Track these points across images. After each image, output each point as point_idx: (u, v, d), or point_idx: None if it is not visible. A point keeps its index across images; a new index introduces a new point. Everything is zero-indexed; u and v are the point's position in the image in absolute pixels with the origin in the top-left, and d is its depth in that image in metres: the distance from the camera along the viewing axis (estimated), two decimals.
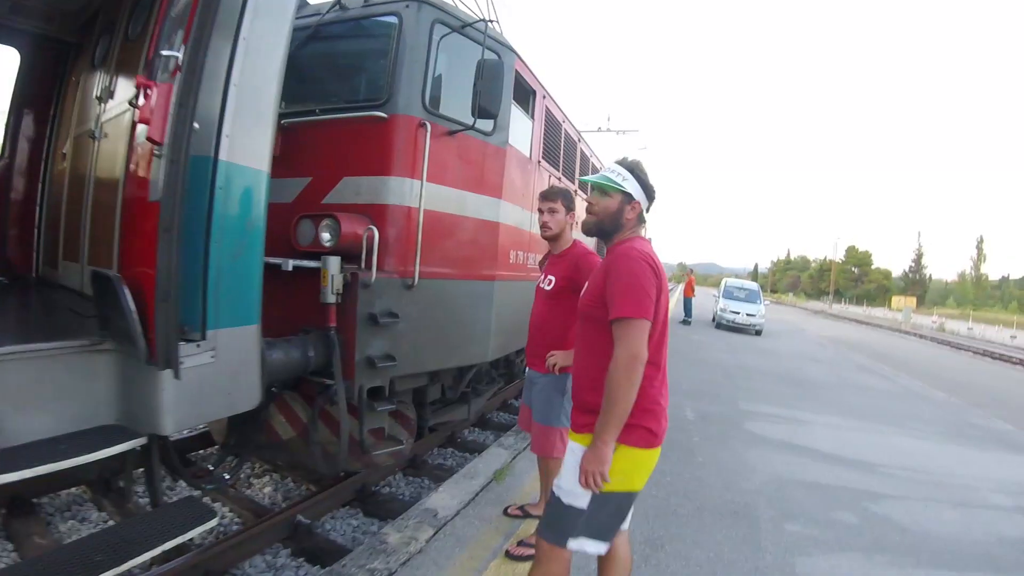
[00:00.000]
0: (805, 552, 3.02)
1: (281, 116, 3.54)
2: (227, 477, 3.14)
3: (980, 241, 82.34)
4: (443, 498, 3.17)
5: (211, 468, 3.18)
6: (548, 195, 2.85)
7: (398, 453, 3.51)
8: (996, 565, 3.15)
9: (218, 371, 2.28)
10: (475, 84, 3.37)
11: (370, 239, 3.08)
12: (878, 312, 56.03)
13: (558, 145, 5.74)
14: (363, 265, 3.08)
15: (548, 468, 2.77)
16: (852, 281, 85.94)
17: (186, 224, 2.00)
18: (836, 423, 6.14)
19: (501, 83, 3.48)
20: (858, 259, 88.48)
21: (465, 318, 3.74)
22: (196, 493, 3.25)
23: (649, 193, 1.85)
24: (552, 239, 2.87)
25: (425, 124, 3.32)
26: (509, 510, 3.06)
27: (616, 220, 1.83)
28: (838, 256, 79.68)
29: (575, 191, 6.74)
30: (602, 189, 1.83)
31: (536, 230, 5.38)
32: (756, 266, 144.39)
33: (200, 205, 2.12)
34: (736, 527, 3.22)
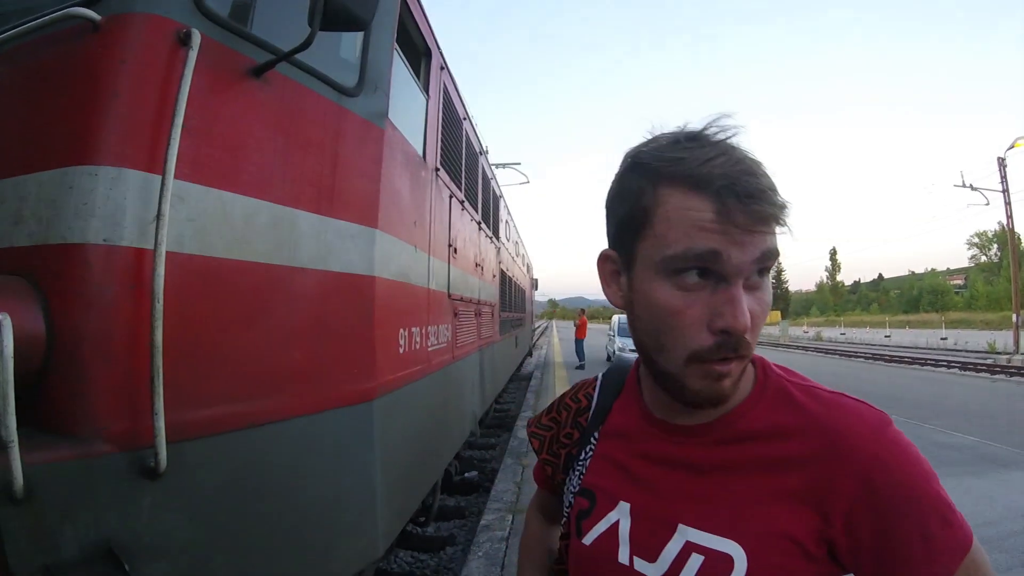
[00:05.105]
0: None
1: None
2: None
3: (833, 252, 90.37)
4: None
5: None
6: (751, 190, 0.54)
7: None
8: None
9: None
10: None
11: (5, 349, 0.99)
12: None
13: (460, 151, 3.86)
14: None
15: None
16: None
17: None
18: None
19: None
20: None
21: (316, 496, 1.64)
22: None
23: None
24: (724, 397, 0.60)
25: (189, 35, 1.32)
26: None
27: None
28: None
29: (492, 237, 4.69)
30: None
31: (439, 283, 3.11)
32: None
33: None
34: None
